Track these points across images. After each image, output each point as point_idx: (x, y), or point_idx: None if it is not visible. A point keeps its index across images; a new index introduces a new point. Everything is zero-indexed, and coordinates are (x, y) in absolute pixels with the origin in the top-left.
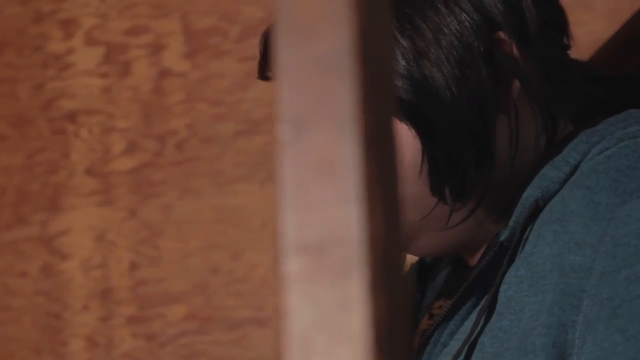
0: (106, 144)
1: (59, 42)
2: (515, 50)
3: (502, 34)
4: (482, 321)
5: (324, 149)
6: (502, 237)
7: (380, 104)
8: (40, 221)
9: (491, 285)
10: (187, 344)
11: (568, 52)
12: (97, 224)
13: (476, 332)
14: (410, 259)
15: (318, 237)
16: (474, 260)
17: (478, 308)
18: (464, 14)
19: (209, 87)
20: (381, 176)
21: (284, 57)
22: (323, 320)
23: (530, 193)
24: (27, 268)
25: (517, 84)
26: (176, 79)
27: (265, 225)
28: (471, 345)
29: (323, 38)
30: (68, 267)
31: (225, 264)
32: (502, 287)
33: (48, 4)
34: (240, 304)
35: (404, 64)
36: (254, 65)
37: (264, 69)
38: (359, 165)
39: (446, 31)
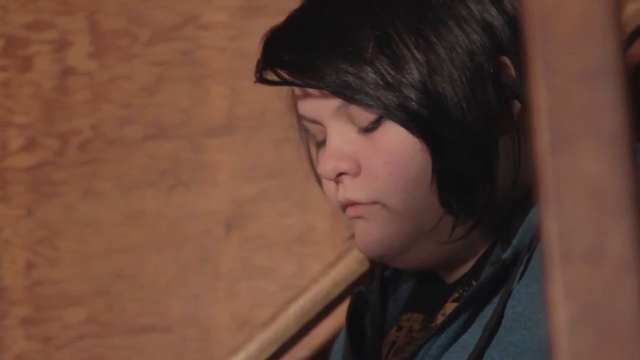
0: (3, 139)
1: None
2: (515, 74)
3: (505, 58)
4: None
5: (589, 161)
6: (505, 255)
7: (636, 117)
8: None
9: (485, 301)
10: (85, 347)
11: None
12: None
13: (482, 345)
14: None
15: (587, 248)
16: (452, 277)
17: (482, 322)
18: (475, 35)
19: (116, 88)
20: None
21: (546, 68)
22: (600, 332)
23: (536, 214)
24: None
25: (517, 105)
26: (81, 78)
27: (172, 231)
28: (477, 358)
29: (589, 50)
30: None
31: (129, 269)
32: (511, 302)
33: None
34: (143, 310)
35: (419, 77)
36: (164, 69)
37: (263, 72)
38: (628, 178)
39: (459, 50)
